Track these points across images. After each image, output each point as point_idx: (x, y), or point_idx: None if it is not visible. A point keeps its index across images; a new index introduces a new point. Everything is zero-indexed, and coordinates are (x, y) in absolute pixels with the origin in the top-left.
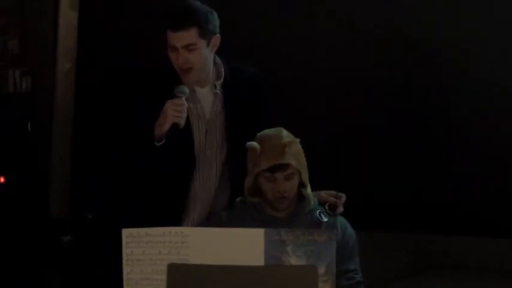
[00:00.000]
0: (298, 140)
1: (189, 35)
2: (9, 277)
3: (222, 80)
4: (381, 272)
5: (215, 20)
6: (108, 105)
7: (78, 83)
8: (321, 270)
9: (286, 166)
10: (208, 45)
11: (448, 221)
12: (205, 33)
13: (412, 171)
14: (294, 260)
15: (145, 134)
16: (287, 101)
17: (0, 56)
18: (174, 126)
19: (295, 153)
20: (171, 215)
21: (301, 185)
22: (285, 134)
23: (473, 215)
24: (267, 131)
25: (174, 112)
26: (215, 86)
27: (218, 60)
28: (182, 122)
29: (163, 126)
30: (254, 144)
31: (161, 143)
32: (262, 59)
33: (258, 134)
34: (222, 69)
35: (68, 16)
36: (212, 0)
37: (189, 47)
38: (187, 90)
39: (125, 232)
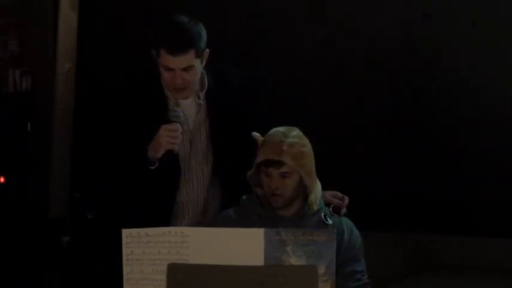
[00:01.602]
0: (307, 144)
1: (188, 58)
2: (9, 277)
3: (205, 90)
4: (381, 272)
5: (205, 35)
6: (108, 105)
7: (78, 83)
8: (321, 270)
9: (281, 164)
10: (201, 62)
11: (448, 221)
12: (200, 52)
13: (412, 171)
14: (294, 260)
15: (139, 159)
16: (287, 101)
17: (0, 56)
18: (168, 151)
19: (295, 154)
20: (160, 223)
21: (306, 188)
22: (293, 134)
23: (473, 215)
24: (280, 128)
25: (168, 139)
26: (198, 97)
27: (202, 70)
28: (176, 148)
29: (157, 152)
30: (256, 135)
31: (155, 166)
32: (262, 59)
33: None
34: (206, 79)
35: (68, 16)
36: (212, 2)
37: (186, 69)
38: (181, 114)
39: (125, 232)
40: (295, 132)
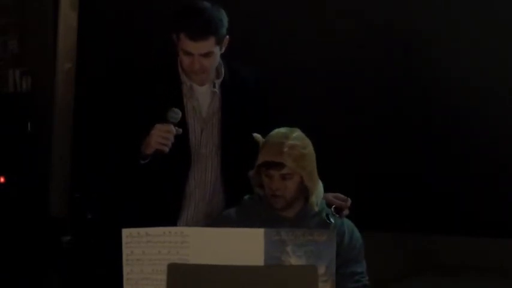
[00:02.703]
0: (308, 146)
1: (208, 44)
2: (9, 277)
3: (221, 79)
4: (381, 272)
5: (227, 22)
6: (108, 105)
7: (78, 83)
8: (321, 270)
9: (281, 165)
10: (220, 48)
11: (448, 221)
12: (220, 39)
13: (412, 172)
14: (294, 260)
15: (130, 153)
16: (287, 102)
17: (0, 56)
18: (158, 152)
19: (295, 156)
20: (167, 213)
21: (307, 189)
22: (294, 136)
23: (473, 215)
24: (281, 129)
25: (159, 139)
26: (214, 85)
27: (220, 59)
28: (166, 149)
29: (147, 149)
30: (257, 136)
31: (146, 161)
32: (262, 59)
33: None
34: (222, 69)
35: (68, 16)
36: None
37: (205, 55)
38: (179, 115)
39: (125, 232)
40: (296, 133)
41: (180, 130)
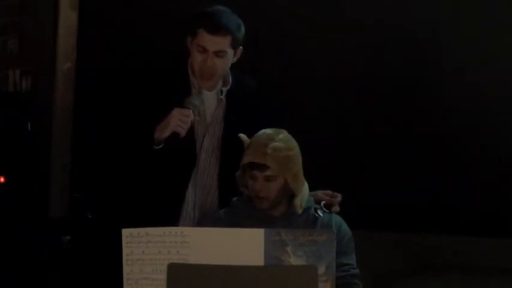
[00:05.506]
0: (294, 147)
1: (224, 42)
2: (9, 277)
3: (228, 87)
4: (381, 272)
5: (243, 31)
6: (108, 105)
7: (78, 83)
8: (321, 270)
9: (264, 167)
10: (234, 55)
11: (448, 221)
12: (235, 43)
13: (412, 172)
14: (294, 260)
15: (144, 137)
16: (286, 100)
17: (0, 56)
18: (174, 134)
19: (279, 158)
20: (166, 215)
21: (292, 190)
22: (280, 137)
23: (473, 215)
24: (267, 130)
25: (178, 122)
26: (221, 92)
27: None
28: (183, 133)
29: (163, 131)
30: (243, 136)
31: (160, 147)
32: (260, 61)
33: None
34: (230, 77)
35: (68, 16)
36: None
37: (219, 53)
38: (198, 103)
39: (125, 232)
40: (282, 135)
41: (197, 118)
